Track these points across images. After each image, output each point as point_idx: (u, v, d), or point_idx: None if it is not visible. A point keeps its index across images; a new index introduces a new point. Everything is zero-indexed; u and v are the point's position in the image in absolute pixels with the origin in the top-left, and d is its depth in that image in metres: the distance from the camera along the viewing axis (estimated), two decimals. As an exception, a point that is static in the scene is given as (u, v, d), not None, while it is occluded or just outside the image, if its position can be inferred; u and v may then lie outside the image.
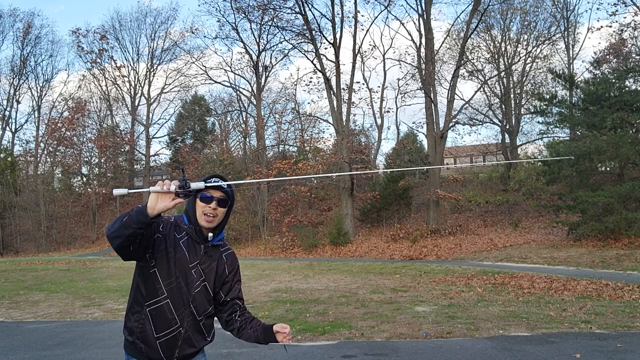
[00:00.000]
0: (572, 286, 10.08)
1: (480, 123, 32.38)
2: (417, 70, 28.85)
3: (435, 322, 6.98)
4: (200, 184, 1.94)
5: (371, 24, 60.24)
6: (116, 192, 1.91)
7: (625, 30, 26.92)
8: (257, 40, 33.06)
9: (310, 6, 28.53)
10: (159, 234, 2.08)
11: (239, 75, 37.85)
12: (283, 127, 35.98)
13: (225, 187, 2.07)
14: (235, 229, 28.46)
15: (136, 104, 39.83)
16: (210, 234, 2.17)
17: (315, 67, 28.83)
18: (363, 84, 35.63)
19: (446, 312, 7.76)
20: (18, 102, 41.23)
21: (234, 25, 31.40)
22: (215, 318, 2.31)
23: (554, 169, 18.15)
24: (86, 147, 40.55)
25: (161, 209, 1.85)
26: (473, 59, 31.80)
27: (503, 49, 31.81)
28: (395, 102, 46.99)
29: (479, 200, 27.50)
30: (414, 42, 30.14)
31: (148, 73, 39.06)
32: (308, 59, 30.63)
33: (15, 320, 8.27)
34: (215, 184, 2.01)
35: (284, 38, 30.86)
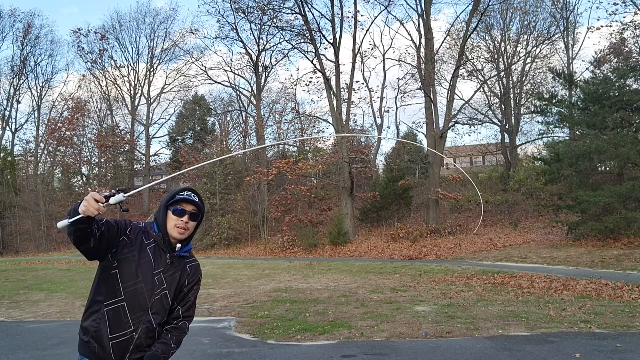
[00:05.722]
0: (572, 286, 10.09)
1: (480, 123, 32.38)
2: (417, 70, 28.81)
3: (435, 322, 6.99)
4: (120, 197, 1.94)
5: (371, 24, 59.89)
6: (60, 224, 1.94)
7: (626, 30, 26.90)
8: (257, 40, 33.00)
9: (310, 6, 28.45)
10: (125, 237, 2.12)
11: (239, 75, 37.72)
12: (283, 127, 35.97)
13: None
14: (235, 229, 28.41)
15: (136, 104, 39.84)
16: (179, 245, 2.22)
17: (315, 67, 28.78)
18: (363, 84, 35.51)
19: (446, 312, 7.77)
20: (18, 102, 41.30)
21: (234, 25, 31.34)
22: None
23: (554, 169, 18.13)
24: (86, 147, 40.60)
25: (90, 214, 1.87)
26: (473, 59, 31.74)
27: (503, 49, 31.75)
28: (395, 102, 46.85)
29: (479, 200, 27.47)
30: (414, 42, 30.07)
31: (148, 73, 39.10)
32: (308, 59, 30.56)
33: (15, 320, 8.29)
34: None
35: (284, 38, 30.76)
